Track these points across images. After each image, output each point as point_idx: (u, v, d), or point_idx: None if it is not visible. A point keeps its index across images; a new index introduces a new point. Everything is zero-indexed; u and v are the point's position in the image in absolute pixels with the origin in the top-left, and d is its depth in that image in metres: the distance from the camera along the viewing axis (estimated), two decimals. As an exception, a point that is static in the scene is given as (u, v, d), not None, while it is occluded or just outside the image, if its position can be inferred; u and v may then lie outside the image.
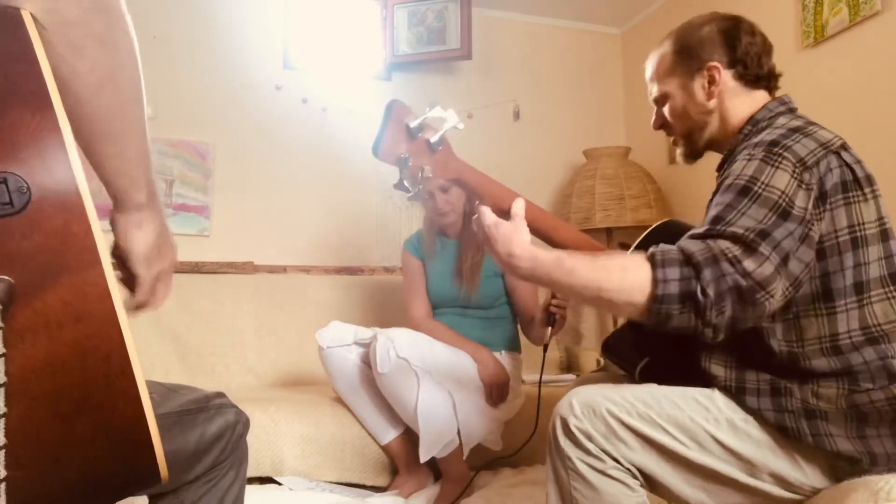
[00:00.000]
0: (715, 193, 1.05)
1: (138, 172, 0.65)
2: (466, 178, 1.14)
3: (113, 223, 0.68)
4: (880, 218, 1.02)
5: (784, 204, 0.95)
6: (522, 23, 3.45)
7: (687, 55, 1.20)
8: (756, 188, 0.96)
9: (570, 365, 2.98)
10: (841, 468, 0.98)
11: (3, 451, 0.44)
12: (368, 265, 3.05)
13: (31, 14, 0.52)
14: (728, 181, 1.00)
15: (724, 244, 0.92)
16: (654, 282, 0.91)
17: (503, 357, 2.04)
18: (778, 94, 1.19)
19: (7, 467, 0.44)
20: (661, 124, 1.28)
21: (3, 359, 0.44)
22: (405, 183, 1.09)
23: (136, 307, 0.72)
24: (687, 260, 0.91)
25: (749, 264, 0.90)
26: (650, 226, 1.40)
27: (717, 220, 0.96)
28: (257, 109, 2.96)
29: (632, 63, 3.51)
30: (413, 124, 1.07)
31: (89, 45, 0.55)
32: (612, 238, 3.11)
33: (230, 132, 2.92)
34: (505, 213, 1.12)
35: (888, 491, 0.86)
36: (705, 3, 3.01)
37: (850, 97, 2.31)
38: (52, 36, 0.53)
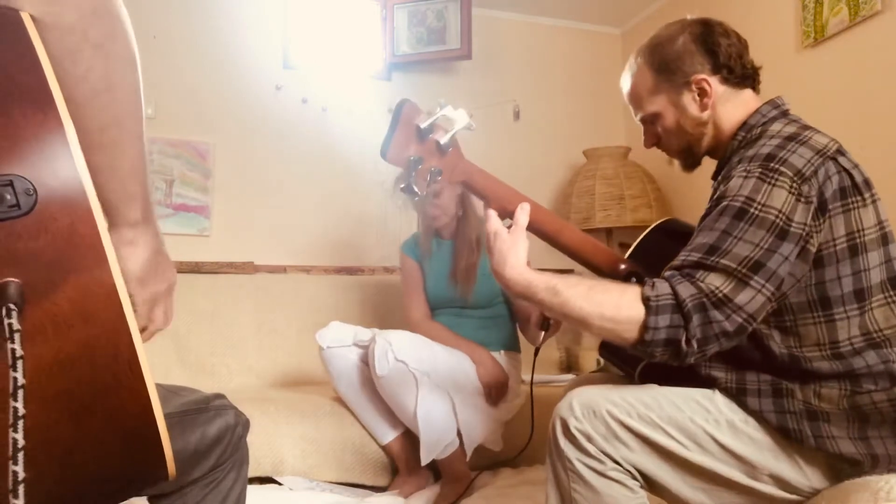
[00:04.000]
0: (711, 206, 1.04)
1: (133, 187, 0.62)
2: (475, 181, 1.11)
3: None
4: (880, 222, 1.01)
5: (781, 223, 0.94)
6: (522, 23, 3.45)
7: (669, 71, 1.15)
8: (752, 210, 0.95)
9: (570, 365, 2.98)
10: (842, 470, 0.97)
11: (23, 452, 0.44)
12: (368, 265, 3.05)
13: (31, 16, 0.52)
14: (724, 202, 0.99)
15: (714, 283, 0.93)
16: (645, 327, 0.92)
17: (502, 357, 2.04)
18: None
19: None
20: (656, 142, 1.25)
21: (21, 361, 0.44)
22: (414, 186, 1.04)
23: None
24: (678, 306, 0.92)
25: (741, 299, 0.92)
26: (650, 226, 1.40)
27: (712, 249, 0.95)
28: (257, 109, 2.96)
29: (632, 63, 3.51)
30: (424, 125, 1.03)
31: (85, 51, 0.55)
32: (613, 238, 3.11)
33: (230, 132, 2.92)
34: (511, 216, 1.09)
35: (888, 491, 0.86)
36: (704, 3, 3.01)
37: (850, 97, 2.31)
38: (49, 39, 0.53)
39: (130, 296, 0.64)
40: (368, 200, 3.07)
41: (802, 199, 0.95)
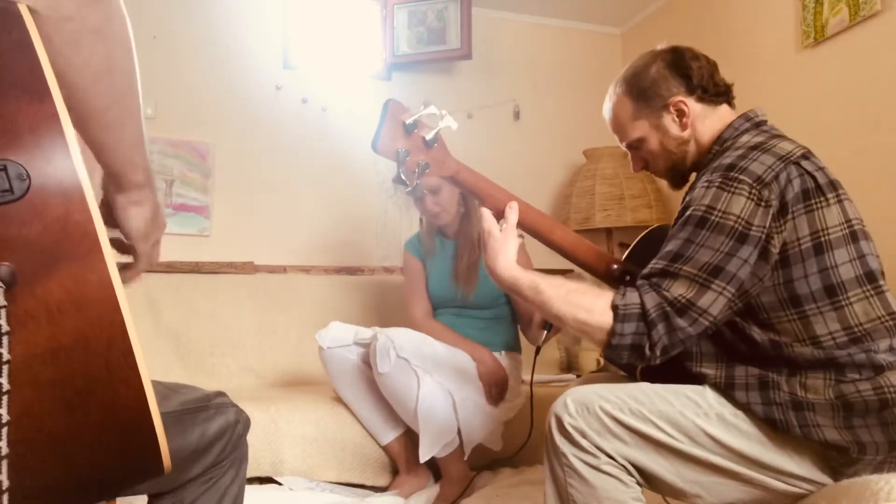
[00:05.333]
0: (677, 216, 1.10)
1: (136, 155, 0.67)
2: (461, 177, 1.18)
3: (112, 203, 0.71)
4: (847, 220, 1.04)
5: (741, 228, 1.00)
6: (522, 23, 3.45)
7: (647, 97, 1.22)
8: (712, 217, 1.02)
9: (570, 365, 2.98)
10: (832, 458, 1.00)
11: (6, 427, 0.44)
12: (368, 265, 3.05)
13: (29, 7, 0.52)
14: (688, 211, 1.06)
15: (677, 291, 1.01)
16: (612, 333, 1.02)
17: (503, 358, 2.04)
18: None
19: (9, 455, 0.44)
20: (644, 166, 1.31)
21: (6, 337, 0.44)
22: (403, 177, 1.13)
23: (135, 276, 0.77)
24: (643, 315, 1.01)
25: (703, 302, 1.00)
26: (650, 226, 1.42)
27: (676, 256, 1.03)
28: (257, 109, 2.96)
29: (632, 63, 3.51)
30: (408, 121, 1.11)
31: (85, 39, 0.56)
32: (612, 238, 3.11)
33: (230, 132, 2.92)
34: (501, 215, 1.17)
35: (888, 491, 0.86)
36: (704, 3, 3.01)
37: (850, 97, 2.31)
38: (49, 30, 0.53)
39: (135, 249, 0.74)
40: (368, 200, 3.08)
41: (762, 204, 1.01)
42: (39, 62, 0.50)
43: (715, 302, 1.00)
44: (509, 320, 2.13)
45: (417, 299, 2.16)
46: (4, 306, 0.45)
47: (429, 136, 1.13)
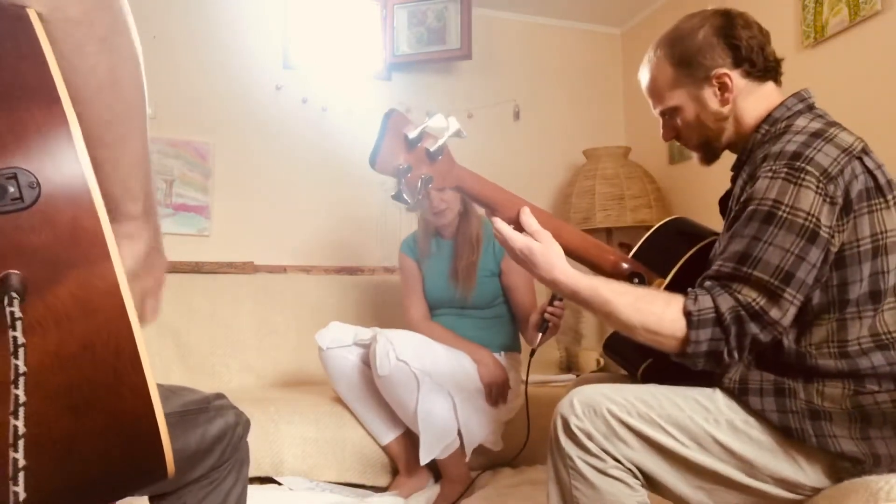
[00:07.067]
0: (739, 209, 1.04)
1: (134, 181, 0.62)
2: (467, 185, 1.12)
3: None
4: None
5: (811, 226, 0.95)
6: (522, 23, 3.45)
7: (689, 65, 1.13)
8: (780, 213, 0.96)
9: (570, 365, 2.98)
10: (843, 469, 0.98)
11: (23, 439, 0.44)
12: (368, 265, 3.05)
13: (37, 12, 0.52)
14: (752, 206, 0.99)
15: (750, 295, 0.96)
16: (687, 341, 0.97)
17: (502, 358, 2.04)
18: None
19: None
20: (674, 135, 1.22)
21: (23, 349, 0.44)
22: (404, 195, 1.05)
23: None
24: (718, 320, 0.96)
25: (775, 313, 0.96)
26: (650, 226, 1.39)
27: (744, 258, 0.98)
28: (257, 109, 2.96)
29: (632, 63, 3.51)
30: (412, 135, 1.04)
31: (91, 46, 0.55)
32: (613, 238, 3.11)
33: (230, 132, 2.92)
34: (513, 221, 1.11)
35: (888, 491, 0.86)
36: (704, 3, 3.01)
37: (850, 97, 2.31)
38: (55, 34, 0.53)
39: None
40: (368, 200, 3.07)
41: (828, 200, 0.96)
42: (49, 69, 0.49)
43: (787, 313, 0.96)
44: (508, 320, 2.12)
45: (414, 301, 2.16)
46: (20, 318, 0.44)
47: (433, 148, 1.05)
